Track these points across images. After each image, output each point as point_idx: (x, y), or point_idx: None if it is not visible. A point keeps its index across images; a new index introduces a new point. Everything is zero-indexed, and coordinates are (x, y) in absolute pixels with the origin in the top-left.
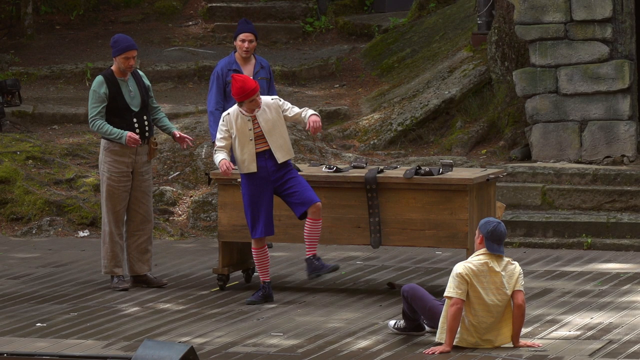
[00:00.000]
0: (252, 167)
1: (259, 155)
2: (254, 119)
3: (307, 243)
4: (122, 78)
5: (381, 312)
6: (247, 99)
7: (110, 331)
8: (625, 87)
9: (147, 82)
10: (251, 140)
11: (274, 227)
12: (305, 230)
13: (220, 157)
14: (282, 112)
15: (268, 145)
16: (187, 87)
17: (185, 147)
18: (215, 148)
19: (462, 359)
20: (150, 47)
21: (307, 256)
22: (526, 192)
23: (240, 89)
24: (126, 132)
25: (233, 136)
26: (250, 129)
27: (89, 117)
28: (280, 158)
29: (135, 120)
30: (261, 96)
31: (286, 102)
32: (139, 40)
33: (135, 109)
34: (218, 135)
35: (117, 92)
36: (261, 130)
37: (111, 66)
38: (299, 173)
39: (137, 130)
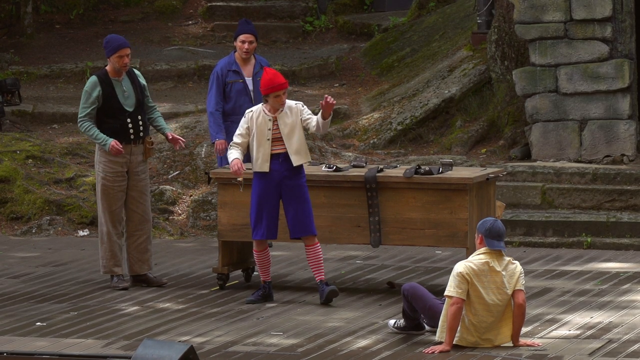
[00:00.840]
0: (265, 167)
1: (274, 157)
2: (275, 120)
3: (312, 269)
4: (116, 78)
5: (381, 312)
6: (273, 92)
7: (110, 330)
8: (625, 87)
9: (142, 81)
10: (268, 140)
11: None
12: (307, 258)
13: (233, 155)
14: (301, 117)
15: (284, 148)
16: (187, 86)
17: (178, 148)
18: (231, 144)
19: (462, 358)
20: (150, 47)
21: (317, 281)
22: (526, 191)
23: (270, 80)
24: (110, 140)
25: (252, 134)
26: (269, 129)
27: (79, 117)
28: (296, 161)
29: (129, 120)
30: (287, 100)
31: (307, 109)
32: (138, 39)
33: (129, 109)
34: (237, 132)
35: (111, 92)
36: (279, 133)
37: (106, 66)
38: None
39: (131, 130)
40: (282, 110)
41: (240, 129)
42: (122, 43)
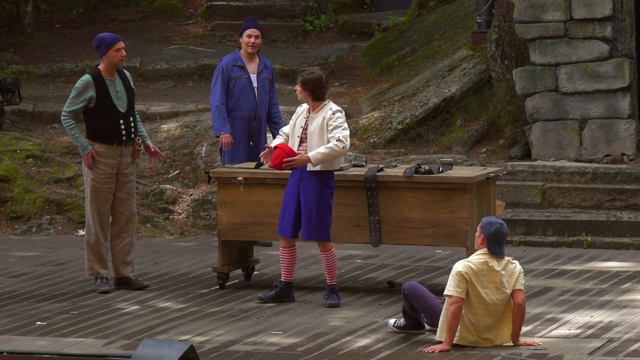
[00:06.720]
0: None
1: None
2: (307, 120)
3: (325, 273)
4: (110, 78)
5: (381, 311)
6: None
7: (110, 330)
8: (625, 86)
9: (132, 84)
10: (298, 137)
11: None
12: (321, 263)
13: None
14: (327, 126)
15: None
16: (187, 85)
17: (155, 162)
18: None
19: (462, 358)
20: (150, 46)
21: (328, 283)
22: (526, 190)
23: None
24: (90, 148)
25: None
26: (301, 127)
27: (64, 110)
28: (309, 166)
29: (122, 121)
30: (332, 104)
31: (335, 122)
32: (138, 38)
33: (122, 110)
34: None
35: (105, 93)
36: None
37: (98, 65)
38: None
39: (124, 132)
40: (318, 111)
41: (291, 121)
42: (115, 37)
